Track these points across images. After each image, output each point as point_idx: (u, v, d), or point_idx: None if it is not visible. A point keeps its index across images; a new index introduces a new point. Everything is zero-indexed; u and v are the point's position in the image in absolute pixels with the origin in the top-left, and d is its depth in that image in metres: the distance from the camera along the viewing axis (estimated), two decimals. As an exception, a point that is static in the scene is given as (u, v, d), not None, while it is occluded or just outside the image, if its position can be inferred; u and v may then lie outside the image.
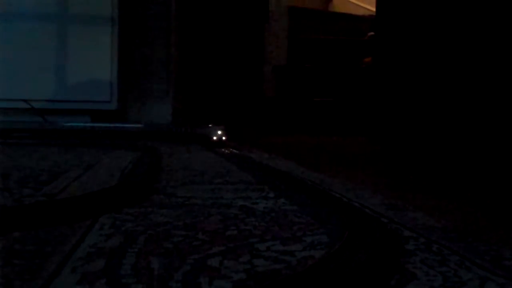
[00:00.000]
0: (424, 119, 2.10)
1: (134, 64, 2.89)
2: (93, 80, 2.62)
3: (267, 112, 3.45)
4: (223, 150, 2.15)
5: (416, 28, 2.20)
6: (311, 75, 3.61)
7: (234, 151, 2.14)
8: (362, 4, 4.81)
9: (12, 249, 0.74)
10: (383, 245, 0.75)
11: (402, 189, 1.38)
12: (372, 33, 3.65)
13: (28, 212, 0.94)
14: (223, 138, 2.29)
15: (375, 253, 0.70)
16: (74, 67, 2.61)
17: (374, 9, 3.06)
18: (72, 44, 2.61)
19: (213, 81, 3.26)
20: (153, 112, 2.87)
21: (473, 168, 1.73)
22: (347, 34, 4.06)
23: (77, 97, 2.61)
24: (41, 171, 1.45)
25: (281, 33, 3.68)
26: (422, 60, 2.15)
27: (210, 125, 2.43)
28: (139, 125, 2.64)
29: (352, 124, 3.25)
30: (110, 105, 2.64)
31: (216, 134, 2.31)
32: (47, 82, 2.59)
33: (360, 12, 4.57)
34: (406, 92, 2.27)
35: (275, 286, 0.59)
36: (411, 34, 2.24)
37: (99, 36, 2.62)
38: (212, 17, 3.25)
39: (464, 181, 1.57)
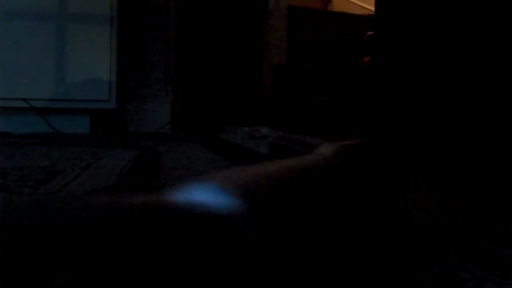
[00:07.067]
0: (424, 119, 2.10)
1: (133, 63, 2.90)
2: (92, 79, 2.62)
3: (266, 112, 3.45)
4: None
5: (416, 27, 2.20)
6: (310, 74, 3.61)
7: None
8: (361, 4, 4.82)
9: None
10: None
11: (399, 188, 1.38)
12: (371, 32, 3.65)
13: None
14: None
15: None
16: (73, 66, 2.61)
17: (373, 8, 3.06)
18: (71, 43, 2.61)
19: (211, 81, 3.26)
20: (151, 111, 2.88)
21: (474, 167, 1.73)
22: (347, 33, 4.07)
23: (76, 96, 2.61)
24: (39, 169, 1.45)
25: (281, 32, 3.68)
26: (422, 60, 2.15)
27: None
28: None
29: (352, 123, 3.25)
30: (109, 104, 2.64)
31: None
32: (46, 81, 2.59)
33: (359, 12, 4.58)
34: (405, 92, 2.27)
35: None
36: (411, 33, 2.24)
37: (98, 35, 2.62)
38: (211, 16, 3.25)
39: (465, 181, 1.57)
